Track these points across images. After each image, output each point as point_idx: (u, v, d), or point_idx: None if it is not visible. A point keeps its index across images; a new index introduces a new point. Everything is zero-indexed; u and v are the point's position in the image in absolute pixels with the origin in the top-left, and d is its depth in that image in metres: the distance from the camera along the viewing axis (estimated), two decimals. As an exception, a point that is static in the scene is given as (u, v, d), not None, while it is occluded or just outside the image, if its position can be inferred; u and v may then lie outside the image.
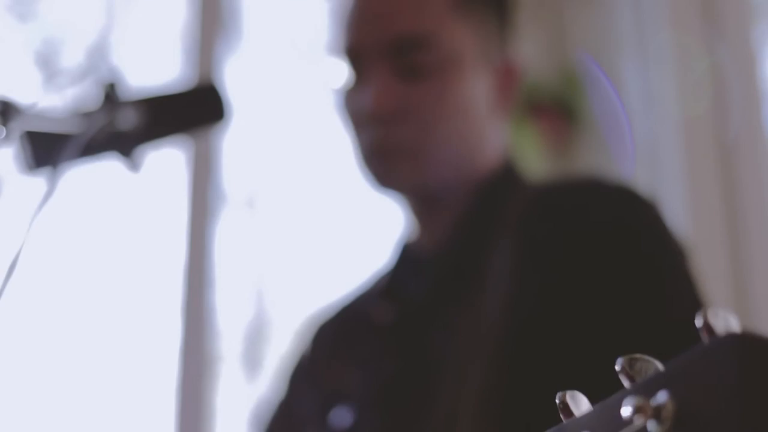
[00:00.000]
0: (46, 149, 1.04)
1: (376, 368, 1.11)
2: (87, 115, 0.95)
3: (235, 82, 2.95)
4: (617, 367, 0.37)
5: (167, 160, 2.79)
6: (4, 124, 0.78)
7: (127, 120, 1.01)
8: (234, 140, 2.97)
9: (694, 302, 0.95)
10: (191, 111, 1.10)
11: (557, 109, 2.79)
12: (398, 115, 1.06)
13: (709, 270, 2.04)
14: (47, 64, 2.94)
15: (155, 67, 2.93)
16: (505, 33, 1.14)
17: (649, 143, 2.27)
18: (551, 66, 2.93)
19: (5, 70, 2.94)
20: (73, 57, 2.96)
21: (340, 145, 1.20)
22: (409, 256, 1.17)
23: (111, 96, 1.01)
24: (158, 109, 1.06)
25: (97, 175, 1.08)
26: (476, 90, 1.09)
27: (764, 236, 2.08)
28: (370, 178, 1.10)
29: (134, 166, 1.05)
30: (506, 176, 1.13)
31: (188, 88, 1.13)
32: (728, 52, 2.14)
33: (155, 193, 2.90)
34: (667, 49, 2.18)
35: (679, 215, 2.11)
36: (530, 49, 2.91)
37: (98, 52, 0.91)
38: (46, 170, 1.05)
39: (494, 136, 1.13)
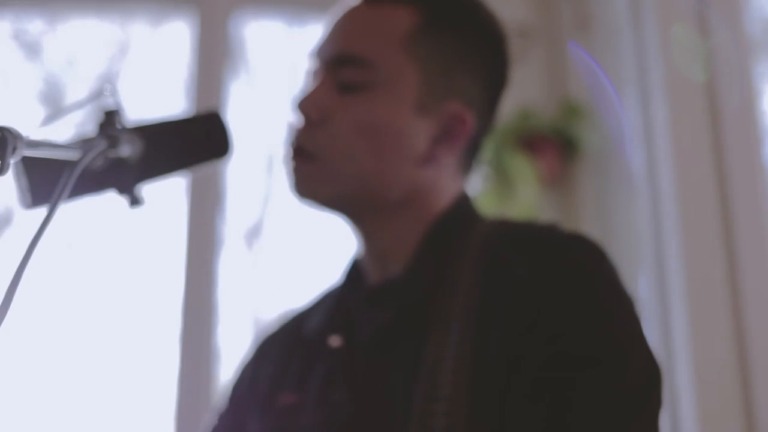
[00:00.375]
0: (44, 180, 1.02)
1: (328, 402, 1.09)
2: (86, 143, 0.92)
3: (239, 114, 2.96)
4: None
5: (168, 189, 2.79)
6: (1, 154, 0.74)
7: (128, 148, 0.98)
8: (237, 171, 2.97)
9: (644, 349, 0.97)
10: (193, 138, 1.07)
11: (558, 141, 2.79)
12: (318, 119, 1.09)
13: (707, 299, 2.03)
14: (52, 99, 2.96)
15: (160, 101, 2.96)
16: (458, 82, 1.11)
17: (646, 174, 2.25)
18: (552, 98, 2.94)
19: (9, 104, 2.95)
20: (77, 92, 2.99)
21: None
22: (359, 278, 1.17)
23: (110, 122, 0.98)
24: (159, 136, 1.04)
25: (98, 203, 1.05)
26: (404, 122, 1.08)
27: (760, 269, 2.07)
28: (288, 181, 1.12)
29: (135, 201, 1.03)
30: (461, 215, 1.14)
31: (190, 115, 1.10)
32: (728, 87, 2.14)
33: (155, 221, 2.90)
34: (666, 83, 2.18)
35: (675, 245, 2.09)
36: (531, 81, 2.92)
37: (102, 83, 0.90)
38: (43, 203, 1.03)
39: (437, 176, 1.12)
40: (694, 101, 2.15)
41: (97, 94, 1.09)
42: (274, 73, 3.11)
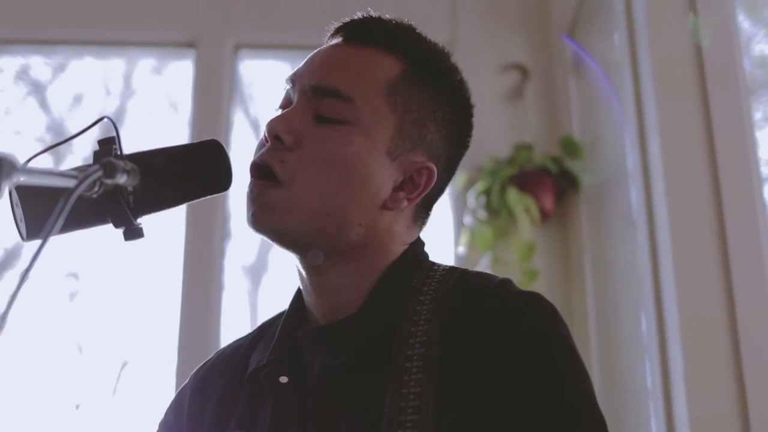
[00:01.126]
0: (41, 211, 1.02)
1: None
2: (82, 171, 0.91)
3: (240, 152, 2.98)
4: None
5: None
6: (-1, 180, 0.74)
7: (124, 177, 0.98)
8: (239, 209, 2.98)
9: (595, 412, 1.00)
10: (193, 167, 1.06)
11: (555, 177, 2.80)
12: (292, 143, 1.08)
13: (704, 335, 2.03)
14: (57, 135, 2.98)
15: (163, 139, 2.98)
16: (428, 135, 1.13)
17: (644, 210, 2.26)
18: (550, 135, 2.96)
19: (14, 141, 2.97)
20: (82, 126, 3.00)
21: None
22: (303, 313, 1.16)
23: (107, 151, 0.98)
24: (157, 164, 1.03)
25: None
26: (374, 164, 1.09)
27: (758, 304, 2.06)
28: (248, 208, 1.12)
29: (131, 233, 1.02)
30: (415, 262, 1.15)
31: (189, 144, 1.09)
32: (724, 125, 2.15)
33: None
34: (662, 120, 2.20)
35: (672, 280, 2.09)
36: (529, 118, 2.94)
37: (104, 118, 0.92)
38: (37, 232, 1.03)
39: (393, 223, 1.13)
40: (691, 138, 2.16)
41: (94, 123, 1.10)
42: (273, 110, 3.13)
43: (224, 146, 1.08)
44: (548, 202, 2.78)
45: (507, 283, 1.09)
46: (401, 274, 1.11)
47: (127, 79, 3.11)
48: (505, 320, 1.02)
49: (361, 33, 1.15)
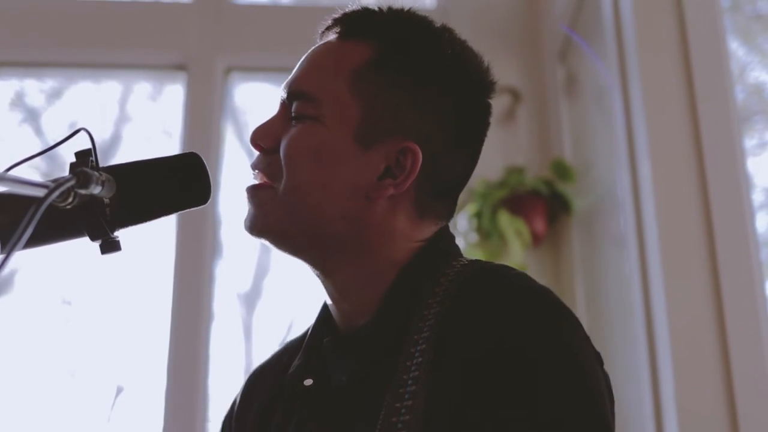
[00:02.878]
0: (10, 221, 1.01)
1: None
2: (55, 181, 0.90)
3: (231, 174, 2.97)
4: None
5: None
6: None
7: (99, 188, 0.97)
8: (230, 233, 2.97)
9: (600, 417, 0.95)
10: (170, 178, 1.05)
11: (546, 200, 2.80)
12: (270, 147, 1.11)
13: (695, 357, 2.01)
14: (51, 162, 2.98)
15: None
16: (407, 119, 1.10)
17: (634, 233, 2.26)
18: (541, 157, 2.96)
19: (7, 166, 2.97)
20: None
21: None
22: (330, 321, 1.16)
23: (82, 162, 0.97)
24: (134, 176, 1.02)
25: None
26: (343, 150, 1.09)
27: (749, 325, 2.05)
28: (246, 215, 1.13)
29: (108, 246, 1.01)
30: (428, 261, 1.11)
31: (167, 155, 1.07)
32: (715, 151, 2.15)
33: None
34: (652, 144, 2.20)
35: (662, 303, 2.08)
36: (521, 141, 2.94)
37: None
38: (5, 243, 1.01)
39: (390, 215, 1.10)
40: (682, 163, 2.16)
41: (71, 135, 1.09)
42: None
43: (204, 161, 1.07)
44: (540, 225, 2.77)
45: (510, 279, 1.04)
46: (413, 277, 1.09)
47: (122, 104, 3.12)
48: (490, 324, 0.97)
49: (332, 26, 1.16)
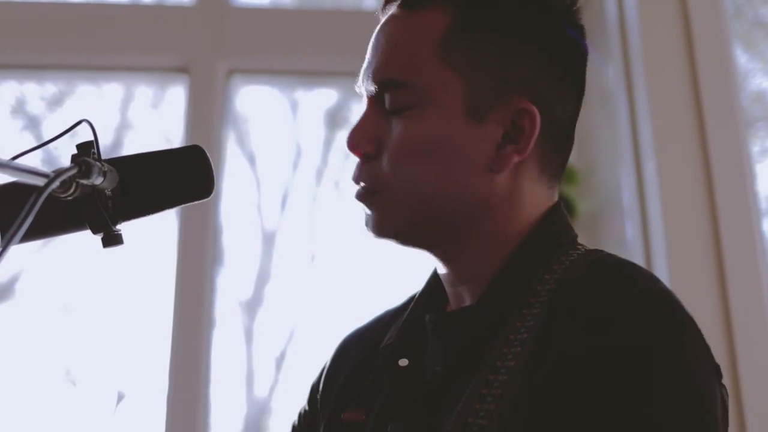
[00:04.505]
0: (10, 213, 0.99)
1: (384, 429, 1.02)
2: (57, 171, 0.89)
3: (233, 179, 2.96)
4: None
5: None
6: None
7: (101, 178, 0.95)
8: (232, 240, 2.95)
9: None
10: (172, 171, 1.03)
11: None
12: (373, 151, 1.03)
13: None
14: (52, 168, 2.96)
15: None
16: (511, 75, 1.01)
17: (640, 238, 2.24)
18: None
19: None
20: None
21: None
22: (438, 296, 1.10)
23: (84, 153, 0.95)
24: (136, 168, 1.01)
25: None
26: (457, 133, 1.00)
27: (756, 330, 2.03)
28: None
29: (110, 240, 0.99)
30: (546, 239, 1.03)
31: (170, 148, 1.05)
32: (721, 156, 2.13)
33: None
34: (658, 146, 2.18)
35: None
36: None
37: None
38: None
39: (516, 182, 1.02)
40: (687, 165, 2.14)
41: (73, 127, 1.08)
42: (266, 138, 3.12)
43: (207, 154, 1.05)
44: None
45: (632, 278, 0.92)
46: (524, 261, 1.00)
47: (123, 107, 3.10)
48: (601, 327, 0.87)
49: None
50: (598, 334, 0.86)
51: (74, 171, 0.91)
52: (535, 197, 1.04)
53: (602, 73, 2.64)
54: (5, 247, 0.78)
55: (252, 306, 3.05)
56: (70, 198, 0.94)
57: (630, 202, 2.32)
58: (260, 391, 2.88)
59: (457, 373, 0.97)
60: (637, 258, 2.25)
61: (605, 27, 2.49)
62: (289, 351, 2.91)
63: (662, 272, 2.13)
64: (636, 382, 0.83)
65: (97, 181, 0.95)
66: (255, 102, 3.18)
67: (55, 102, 3.10)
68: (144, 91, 3.15)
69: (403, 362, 1.05)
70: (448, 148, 1.00)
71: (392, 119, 1.02)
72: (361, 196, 1.04)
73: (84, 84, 3.13)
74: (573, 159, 2.85)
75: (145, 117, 3.12)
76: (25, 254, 2.89)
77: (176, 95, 3.10)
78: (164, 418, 2.71)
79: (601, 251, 1.02)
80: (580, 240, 1.03)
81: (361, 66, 1.08)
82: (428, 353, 1.04)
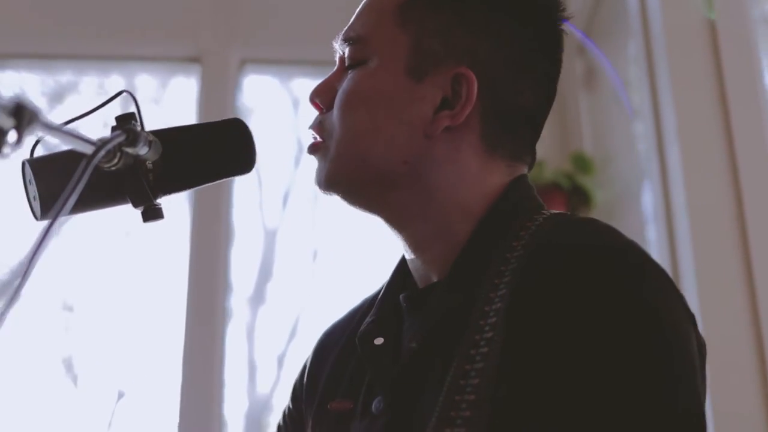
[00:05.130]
0: (56, 189, 0.96)
1: (370, 410, 1.01)
2: (102, 139, 0.85)
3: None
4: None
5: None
6: (18, 129, 0.69)
7: (146, 149, 0.92)
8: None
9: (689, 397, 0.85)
10: (216, 144, 1.01)
11: (567, 193, 2.77)
12: (327, 105, 1.07)
13: (728, 349, 1.97)
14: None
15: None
16: (458, 42, 1.02)
17: (664, 224, 2.21)
18: (562, 150, 2.93)
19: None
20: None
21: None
22: (406, 278, 1.10)
23: (127, 122, 0.92)
24: (179, 140, 0.98)
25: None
26: (396, 88, 1.02)
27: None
28: None
29: (150, 214, 0.96)
30: (511, 212, 1.02)
31: (213, 122, 1.03)
32: (746, 132, 2.11)
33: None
34: (681, 136, 2.16)
35: (693, 294, 2.04)
36: (543, 134, 2.90)
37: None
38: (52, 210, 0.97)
39: (454, 151, 1.02)
40: (711, 151, 2.12)
41: (114, 97, 1.05)
42: (274, 127, 3.10)
43: (249, 128, 1.03)
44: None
45: (596, 235, 0.92)
46: (490, 230, 1.00)
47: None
48: (573, 286, 0.86)
49: None
50: (565, 298, 0.86)
51: (122, 138, 0.88)
52: (489, 174, 1.03)
53: (619, 61, 2.63)
54: (55, 218, 0.75)
55: (254, 302, 3.04)
56: (112, 169, 0.91)
57: (650, 192, 2.30)
58: (262, 388, 2.86)
59: (433, 348, 0.97)
60: (662, 249, 2.22)
61: (624, 15, 2.47)
62: (291, 349, 2.89)
63: (688, 264, 2.09)
64: (602, 342, 0.83)
65: (142, 150, 0.92)
66: (267, 91, 3.15)
67: (64, 89, 3.06)
68: (153, 80, 3.11)
69: (378, 341, 1.05)
70: (385, 102, 1.02)
71: (345, 74, 1.06)
72: (311, 147, 1.07)
73: (93, 73, 3.09)
74: (589, 149, 2.85)
75: (155, 104, 3.09)
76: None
77: (183, 85, 3.07)
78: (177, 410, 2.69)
79: (565, 213, 1.03)
80: None
81: None
82: (404, 329, 1.04)
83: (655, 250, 2.25)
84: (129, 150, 0.90)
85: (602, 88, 2.85)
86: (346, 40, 1.07)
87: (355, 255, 2.93)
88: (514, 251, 0.95)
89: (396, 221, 1.05)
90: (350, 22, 1.09)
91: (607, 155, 2.82)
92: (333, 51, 1.12)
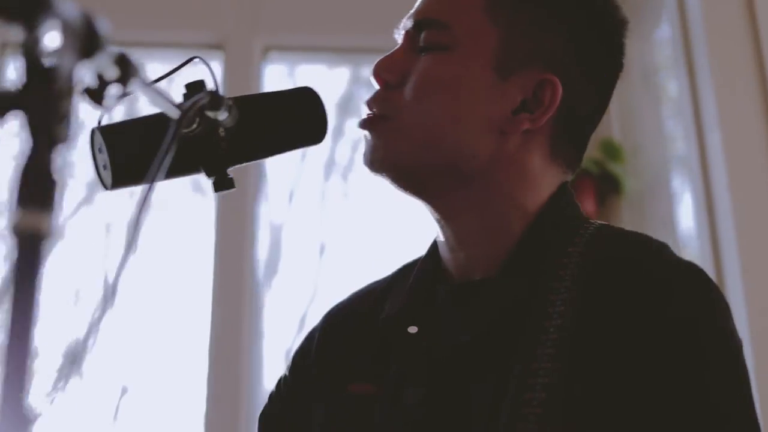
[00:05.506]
0: (129, 152, 0.94)
1: (402, 400, 1.00)
2: (192, 104, 0.83)
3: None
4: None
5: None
6: (122, 80, 0.66)
7: (225, 114, 0.90)
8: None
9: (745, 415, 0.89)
10: (288, 114, 0.99)
11: (597, 180, 2.74)
12: (395, 82, 1.03)
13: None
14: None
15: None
16: (545, 45, 1.02)
17: (704, 209, 2.19)
18: (592, 138, 2.90)
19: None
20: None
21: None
22: (439, 266, 1.08)
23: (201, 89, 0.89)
24: (254, 107, 0.96)
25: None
26: (479, 82, 1.01)
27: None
28: (364, 154, 1.05)
29: (222, 183, 0.93)
30: (562, 214, 1.04)
31: (283, 90, 1.01)
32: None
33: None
34: (722, 122, 2.13)
35: (739, 295, 2.01)
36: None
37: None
38: (124, 183, 0.94)
39: (523, 153, 1.03)
40: (753, 136, 2.09)
41: (185, 63, 1.02)
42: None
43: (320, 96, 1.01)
44: (589, 205, 2.70)
45: (660, 251, 0.97)
46: (546, 232, 1.01)
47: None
48: (649, 299, 0.91)
49: None
50: (647, 308, 0.90)
51: (205, 99, 0.85)
52: (548, 179, 1.05)
53: (645, 49, 2.61)
54: (152, 182, 0.73)
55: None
56: (190, 134, 0.88)
57: (682, 181, 2.27)
58: (269, 383, 2.84)
59: (487, 344, 0.97)
60: (703, 240, 2.18)
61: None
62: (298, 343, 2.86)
63: (732, 258, 2.06)
64: (690, 351, 0.88)
65: (222, 116, 0.90)
66: (286, 77, 3.13)
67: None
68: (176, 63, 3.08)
69: (412, 329, 1.04)
70: (468, 93, 1.01)
71: (422, 57, 1.03)
72: (368, 122, 1.04)
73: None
74: (618, 137, 2.83)
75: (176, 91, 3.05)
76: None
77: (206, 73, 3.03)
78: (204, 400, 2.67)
79: (611, 225, 1.05)
80: (629, 220, 1.06)
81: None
82: (445, 322, 1.03)
83: (694, 239, 2.23)
84: (210, 114, 0.88)
85: (630, 75, 2.83)
86: (426, 23, 1.04)
87: (363, 250, 2.91)
88: (571, 257, 0.98)
89: (447, 213, 1.04)
90: (425, 2, 1.06)
91: (636, 143, 2.80)
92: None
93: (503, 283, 1.00)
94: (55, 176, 0.54)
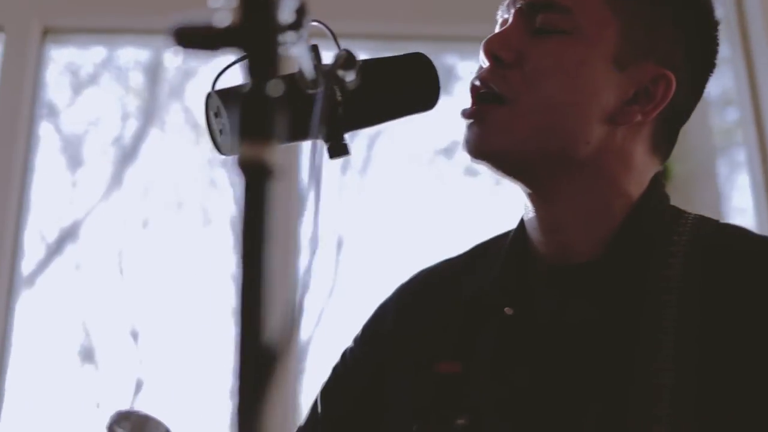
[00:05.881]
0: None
1: (504, 379, 1.01)
2: (337, 61, 0.84)
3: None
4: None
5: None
6: (295, 27, 0.66)
7: (354, 75, 0.89)
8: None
9: None
10: (402, 79, 0.98)
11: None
12: (512, 60, 1.02)
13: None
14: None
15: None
16: (661, 43, 1.04)
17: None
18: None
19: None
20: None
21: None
22: (526, 248, 1.08)
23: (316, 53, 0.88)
24: (373, 71, 0.94)
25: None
26: (598, 72, 1.02)
27: None
28: (466, 136, 1.03)
29: (338, 150, 0.92)
30: (661, 203, 1.06)
31: (394, 56, 1.00)
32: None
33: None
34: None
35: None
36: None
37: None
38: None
39: (630, 144, 1.04)
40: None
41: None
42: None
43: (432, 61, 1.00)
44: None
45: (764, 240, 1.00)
46: (648, 218, 1.03)
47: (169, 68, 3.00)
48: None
49: None
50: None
51: (344, 57, 0.84)
52: (647, 170, 1.06)
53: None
54: (316, 140, 0.72)
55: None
56: (313, 95, 0.87)
57: (731, 164, 2.25)
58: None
59: (597, 327, 0.97)
60: (762, 219, 2.18)
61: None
62: (316, 337, 2.85)
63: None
64: None
65: (350, 77, 0.89)
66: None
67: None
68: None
69: (509, 311, 1.04)
70: (588, 81, 1.01)
71: (537, 39, 1.02)
72: (482, 100, 1.02)
73: (137, 48, 3.01)
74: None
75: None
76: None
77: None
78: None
79: (705, 216, 1.06)
80: (674, 201, 1.08)
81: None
82: (546, 304, 1.03)
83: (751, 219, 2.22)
84: (341, 73, 0.87)
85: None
86: (544, 5, 1.03)
87: (381, 244, 2.90)
88: (676, 245, 0.99)
89: (550, 196, 1.04)
90: None
91: (684, 129, 2.80)
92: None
93: (611, 267, 1.00)
94: (275, 109, 0.54)
